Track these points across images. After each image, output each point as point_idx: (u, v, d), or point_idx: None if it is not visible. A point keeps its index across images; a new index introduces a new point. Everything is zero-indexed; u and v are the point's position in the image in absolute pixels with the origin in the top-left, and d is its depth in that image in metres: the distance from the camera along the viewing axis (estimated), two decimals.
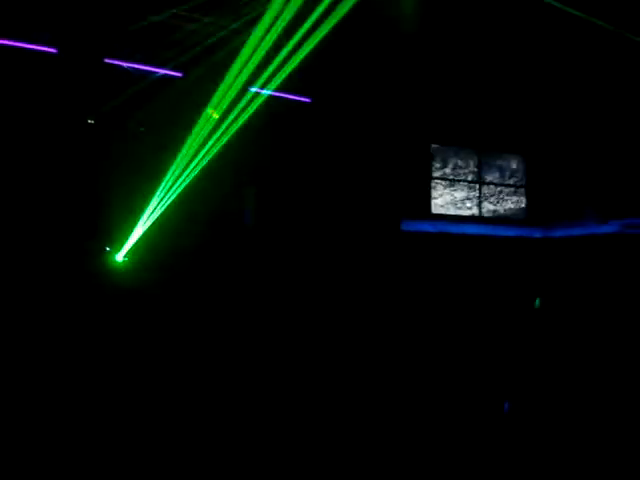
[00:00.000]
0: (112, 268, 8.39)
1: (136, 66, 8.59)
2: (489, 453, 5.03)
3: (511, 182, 12.67)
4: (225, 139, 8.51)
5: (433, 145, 11.95)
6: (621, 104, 10.49)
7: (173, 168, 8.42)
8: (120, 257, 8.46)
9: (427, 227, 11.68)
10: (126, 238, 8.48)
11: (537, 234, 12.23)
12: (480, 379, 7.38)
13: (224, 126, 8.45)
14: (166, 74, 8.68)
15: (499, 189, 12.62)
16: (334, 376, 7.37)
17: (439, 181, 12.07)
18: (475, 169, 12.38)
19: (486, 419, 5.64)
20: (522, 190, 12.69)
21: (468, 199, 12.38)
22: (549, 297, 11.34)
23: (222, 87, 8.16)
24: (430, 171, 11.90)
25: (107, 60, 8.46)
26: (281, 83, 8.56)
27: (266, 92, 8.82)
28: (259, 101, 8.70)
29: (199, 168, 8.51)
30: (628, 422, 5.74)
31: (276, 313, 9.13)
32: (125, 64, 8.53)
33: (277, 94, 9.34)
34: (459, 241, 11.70)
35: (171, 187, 8.51)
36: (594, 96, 10.78)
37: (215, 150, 8.49)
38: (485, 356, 8.49)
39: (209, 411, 5.35)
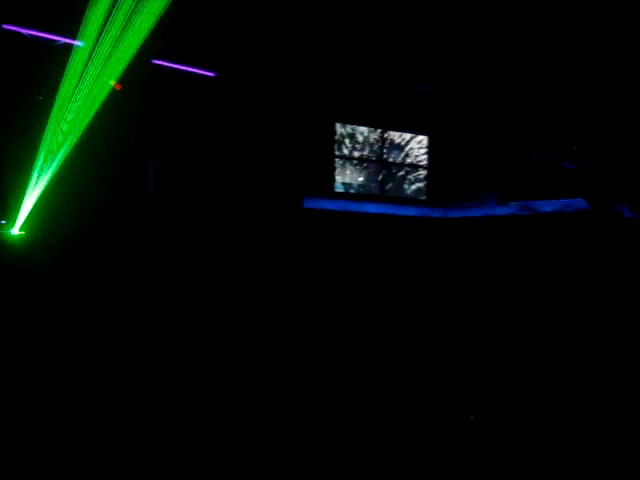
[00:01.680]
0: (8, 242, 7.85)
1: (36, 34, 8.02)
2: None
3: (414, 162, 12.65)
4: (124, 112, 8.23)
5: (337, 123, 11.77)
6: (520, 87, 10.63)
7: (69, 140, 7.95)
8: (16, 230, 7.89)
9: (329, 205, 11.59)
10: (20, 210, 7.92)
11: (437, 214, 12.32)
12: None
13: (123, 99, 8.15)
14: (66, 43, 7.99)
15: (402, 169, 12.58)
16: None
17: (342, 160, 11.89)
18: (378, 148, 12.26)
19: None
20: (424, 169, 12.68)
21: (371, 178, 12.26)
22: (448, 275, 11.67)
23: (121, 58, 7.82)
24: (333, 149, 11.74)
25: (6, 26, 7.84)
26: (185, 56, 8.57)
27: (168, 65, 8.65)
28: (159, 73, 8.34)
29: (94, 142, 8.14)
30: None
31: (176, 295, 8.76)
32: (25, 31, 7.94)
33: (180, 67, 9.12)
34: (361, 219, 11.73)
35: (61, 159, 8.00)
36: (495, 78, 10.85)
37: (114, 124, 8.22)
38: (389, 334, 8.56)
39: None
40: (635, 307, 8.15)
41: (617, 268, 8.66)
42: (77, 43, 7.82)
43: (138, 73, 8.23)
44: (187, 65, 9.24)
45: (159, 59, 8.85)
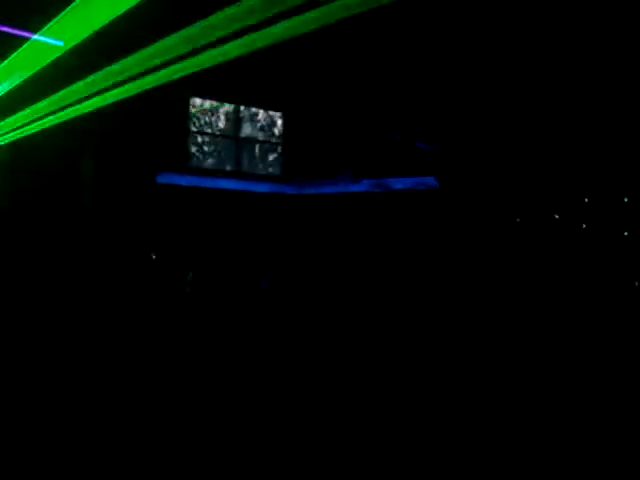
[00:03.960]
0: None
1: None
2: None
3: (269, 139, 12.52)
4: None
5: (192, 98, 11.34)
6: (370, 67, 10.99)
7: None
8: None
9: (183, 181, 11.13)
10: None
11: (291, 191, 12.38)
12: None
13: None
14: None
15: (257, 145, 12.39)
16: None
17: (198, 135, 11.45)
18: (233, 124, 11.94)
19: None
20: (279, 146, 12.62)
21: (226, 154, 11.92)
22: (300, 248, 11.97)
23: None
24: (187, 125, 11.34)
25: None
26: None
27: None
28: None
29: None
30: None
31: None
32: None
33: None
34: (215, 195, 11.46)
35: None
36: (347, 59, 11.09)
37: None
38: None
39: None
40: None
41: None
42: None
43: None
44: None
45: None
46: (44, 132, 8.12)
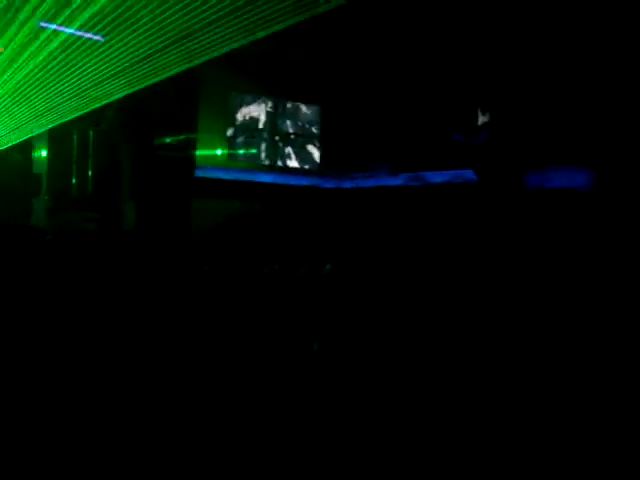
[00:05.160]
0: None
1: None
2: None
3: (308, 132, 12.59)
4: None
5: (231, 92, 11.56)
6: (411, 60, 10.88)
7: None
8: None
9: (222, 174, 11.29)
10: None
11: (330, 184, 12.41)
12: None
13: None
14: None
15: (296, 138, 12.48)
16: None
17: (237, 129, 11.68)
18: (272, 117, 12.08)
19: None
20: (318, 140, 12.67)
21: (265, 148, 12.07)
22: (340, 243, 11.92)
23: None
24: (228, 118, 11.54)
25: None
26: None
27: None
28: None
29: None
30: None
31: None
32: None
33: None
34: (254, 188, 11.57)
35: None
36: (387, 51, 11.01)
37: None
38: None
39: None
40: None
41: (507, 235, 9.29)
42: None
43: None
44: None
45: None
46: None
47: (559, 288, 8.34)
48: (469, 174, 9.75)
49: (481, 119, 10.07)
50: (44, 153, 9.35)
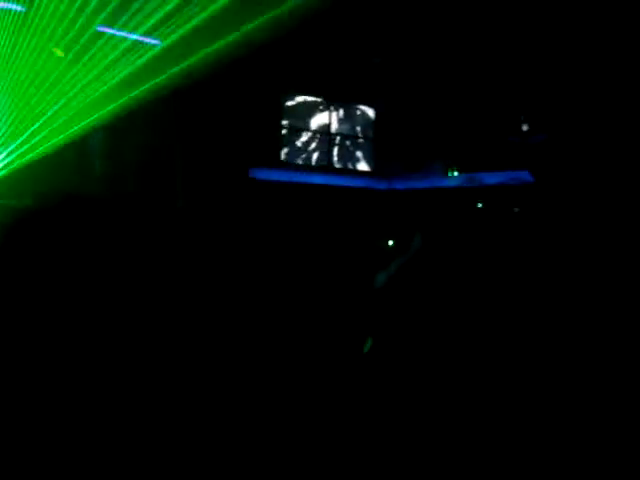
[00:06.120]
0: None
1: None
2: None
3: (361, 133, 12.59)
4: None
5: (284, 95, 11.67)
6: (466, 61, 10.71)
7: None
8: None
9: (276, 176, 11.42)
10: None
11: (383, 186, 12.37)
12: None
13: None
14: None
15: (349, 140, 12.50)
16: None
17: (290, 131, 11.78)
18: (326, 119, 12.14)
19: None
20: (371, 141, 12.66)
21: (318, 149, 12.16)
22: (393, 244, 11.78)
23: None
24: (280, 121, 11.66)
25: None
26: None
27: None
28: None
29: None
30: None
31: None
32: None
33: None
34: (307, 190, 11.62)
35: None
36: (442, 52, 10.89)
37: None
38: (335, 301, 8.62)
39: None
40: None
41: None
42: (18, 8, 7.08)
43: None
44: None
45: None
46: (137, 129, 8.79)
47: None
48: (525, 175, 9.50)
49: (537, 120, 9.78)
50: None
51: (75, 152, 8.33)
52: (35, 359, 4.81)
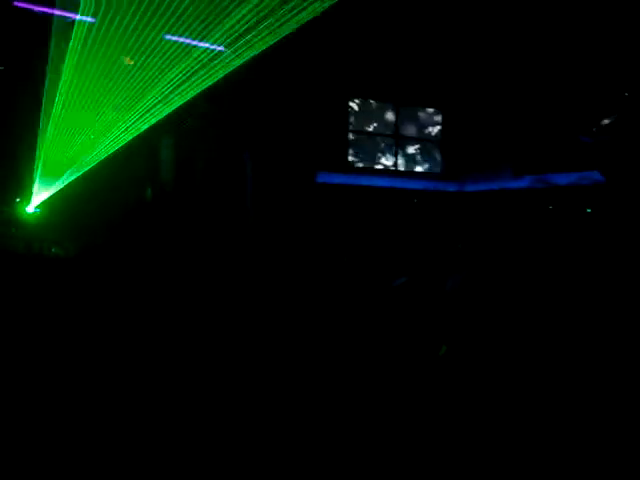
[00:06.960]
0: (22, 218, 8.23)
1: (47, 10, 7.92)
2: None
3: (428, 136, 12.52)
4: None
5: (351, 99, 11.76)
6: (535, 60, 10.39)
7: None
8: (31, 209, 8.30)
9: (343, 179, 11.57)
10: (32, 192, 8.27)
11: (452, 188, 12.23)
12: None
13: None
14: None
15: (416, 143, 12.47)
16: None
17: (357, 134, 11.86)
18: (393, 122, 12.17)
19: None
20: (438, 144, 12.55)
21: (385, 152, 12.20)
22: (464, 248, 11.57)
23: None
24: (347, 125, 11.75)
25: (16, 3, 7.87)
26: None
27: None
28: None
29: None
30: None
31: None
32: (36, 8, 7.91)
33: None
34: (375, 193, 11.68)
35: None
36: (510, 52, 10.62)
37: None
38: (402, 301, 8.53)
39: None
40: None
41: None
42: (89, 19, 7.79)
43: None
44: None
45: None
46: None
47: None
48: (596, 175, 9.09)
49: (608, 119, 9.31)
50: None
51: (146, 163, 8.99)
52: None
